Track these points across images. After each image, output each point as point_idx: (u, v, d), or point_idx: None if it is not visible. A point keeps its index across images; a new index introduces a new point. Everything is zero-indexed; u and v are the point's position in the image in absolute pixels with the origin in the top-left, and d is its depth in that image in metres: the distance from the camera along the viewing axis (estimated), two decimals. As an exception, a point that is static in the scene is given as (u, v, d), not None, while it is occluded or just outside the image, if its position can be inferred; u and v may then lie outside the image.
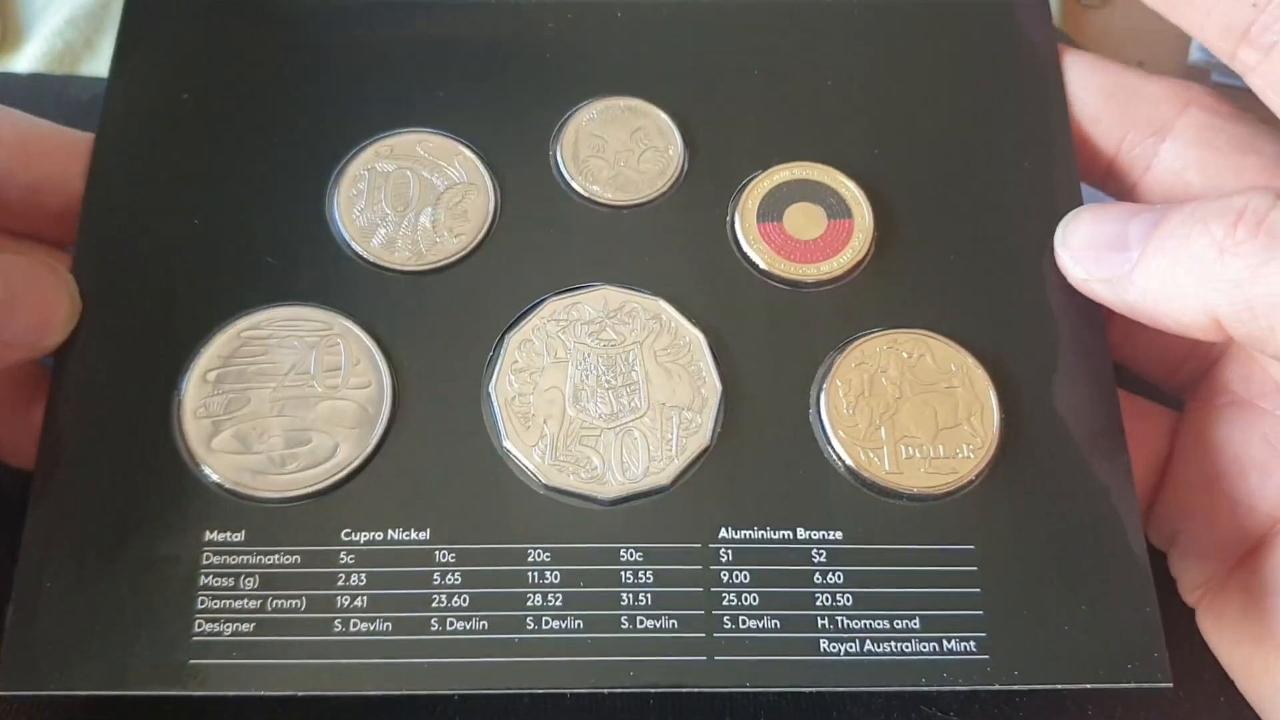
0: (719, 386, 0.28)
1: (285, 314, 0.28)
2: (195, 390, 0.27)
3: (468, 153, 0.30)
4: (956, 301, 0.29)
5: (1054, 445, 0.27)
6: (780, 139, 0.30)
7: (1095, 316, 0.29)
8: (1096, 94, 0.31)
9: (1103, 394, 0.28)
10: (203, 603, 0.25)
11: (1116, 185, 0.31)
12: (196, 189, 0.29)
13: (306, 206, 0.29)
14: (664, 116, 0.30)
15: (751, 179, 0.30)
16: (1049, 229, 0.29)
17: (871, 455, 0.27)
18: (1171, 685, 0.26)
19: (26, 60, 0.30)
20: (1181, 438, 0.30)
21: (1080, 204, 0.30)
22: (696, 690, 0.25)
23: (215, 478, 0.26)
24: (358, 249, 0.29)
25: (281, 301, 0.28)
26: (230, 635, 0.25)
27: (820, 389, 0.28)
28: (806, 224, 0.29)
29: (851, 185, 0.30)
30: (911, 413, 0.28)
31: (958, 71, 0.31)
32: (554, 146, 0.30)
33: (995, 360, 0.28)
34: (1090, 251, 0.28)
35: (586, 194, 0.29)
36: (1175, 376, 0.31)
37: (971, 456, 0.27)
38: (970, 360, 0.28)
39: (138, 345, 0.27)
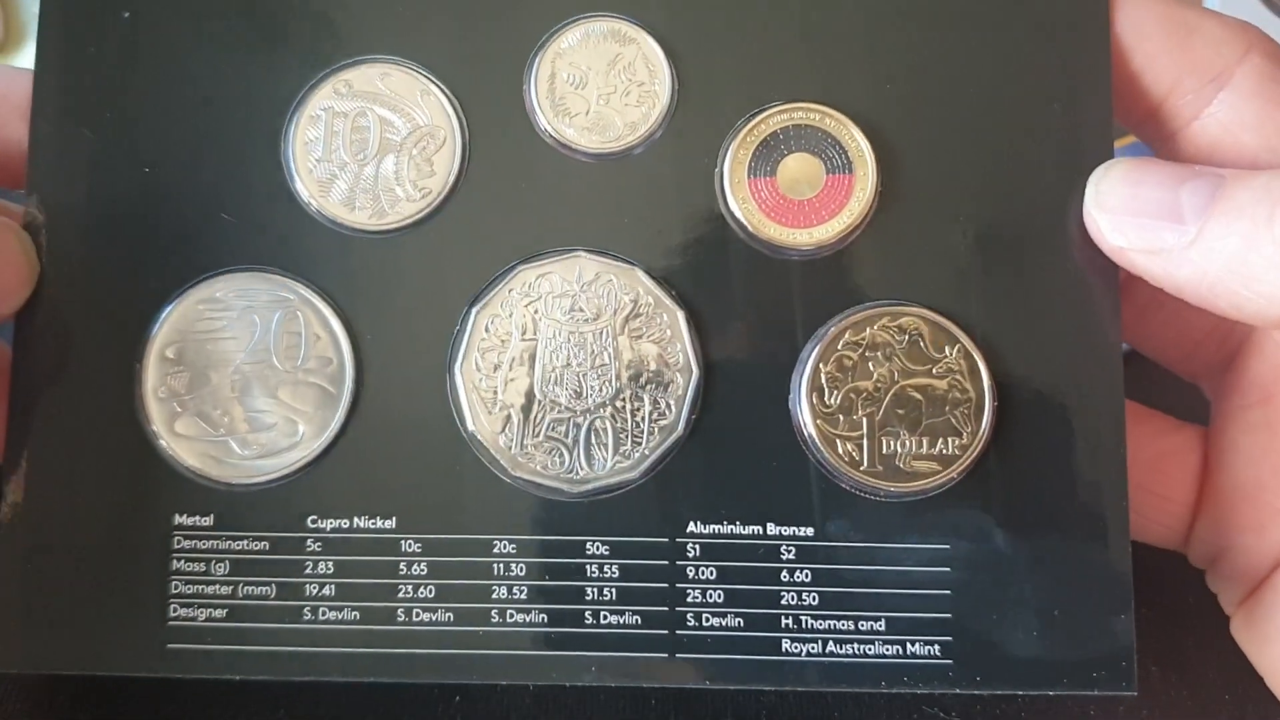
0: (695, 370, 0.26)
1: (243, 282, 0.26)
2: (155, 368, 0.26)
3: (433, 89, 0.27)
4: (957, 275, 0.26)
5: (1047, 443, 0.26)
6: (782, 70, 0.27)
7: (1111, 300, 0.26)
8: (1155, 28, 0.26)
9: (1108, 390, 0.26)
10: (176, 587, 0.26)
11: (1153, 131, 0.27)
12: (145, 130, 0.27)
13: (261, 151, 0.27)
14: (653, 44, 0.27)
15: (747, 122, 0.27)
16: (1071, 187, 0.26)
17: (850, 448, 0.26)
18: (1135, 694, 0.26)
19: (28, 60, 0.28)
20: (1215, 447, 0.28)
21: (1110, 156, 0.27)
22: (657, 687, 0.26)
23: (182, 462, 0.26)
24: (316, 206, 0.27)
25: (239, 265, 0.27)
26: (204, 621, 0.26)
27: (803, 373, 0.26)
28: (802, 180, 0.27)
29: (857, 134, 0.26)
30: (897, 401, 0.26)
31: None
32: (528, 79, 0.27)
33: (995, 344, 0.26)
34: (1132, 218, 0.25)
35: (562, 139, 0.27)
36: (1190, 361, 0.29)
37: (957, 453, 0.26)
38: (968, 344, 0.26)
39: (94, 316, 0.26)
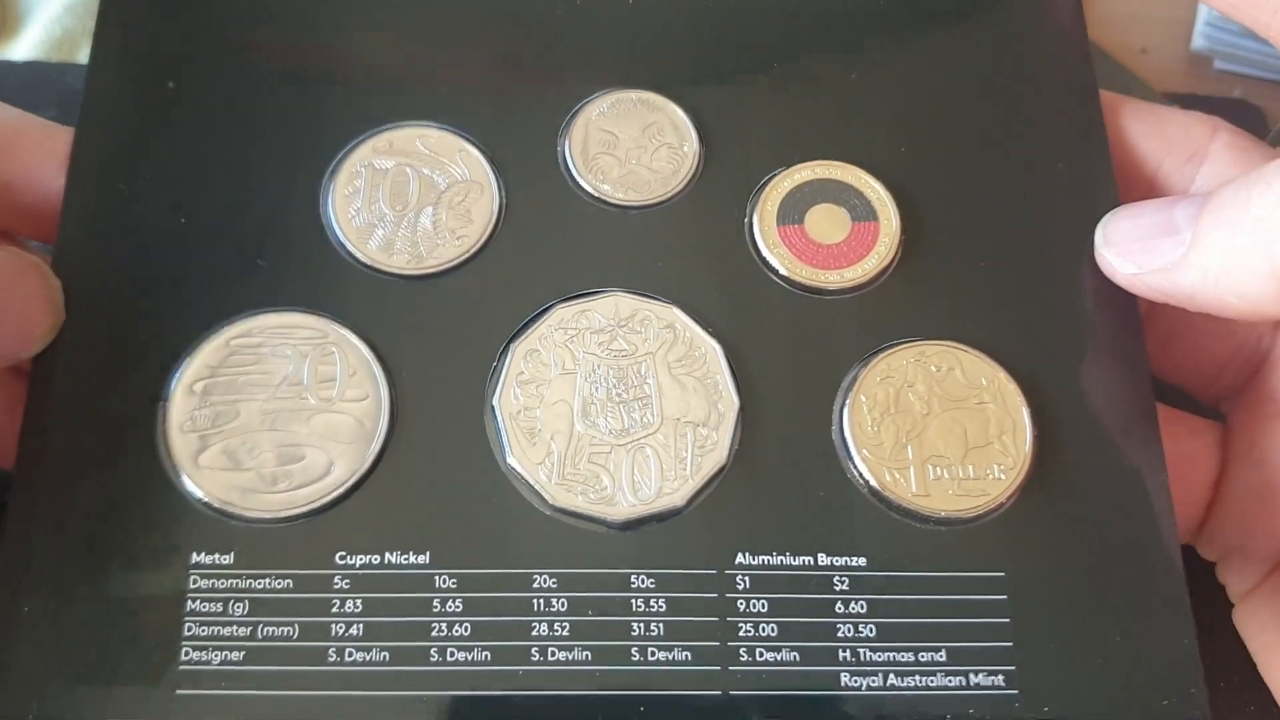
0: (736, 401, 0.26)
1: (277, 320, 0.26)
2: (181, 402, 0.25)
3: (471, 149, 0.28)
4: (987, 311, 0.27)
5: (1090, 465, 0.26)
6: (802, 135, 0.29)
7: (1134, 326, 0.27)
8: (1127, 121, 0.29)
9: (1141, 410, 0.26)
10: (190, 629, 0.24)
11: None
12: (182, 185, 0.27)
13: (300, 205, 0.27)
14: (679, 111, 0.29)
15: (771, 178, 0.28)
16: (1085, 232, 0.28)
17: (897, 476, 0.26)
18: (1210, 723, 0.24)
19: (25, 47, 0.28)
20: (1232, 452, 0.28)
21: (1117, 204, 0.28)
22: (711, 727, 0.24)
23: (203, 496, 0.25)
24: (354, 251, 0.27)
25: (273, 307, 0.26)
26: (219, 664, 0.24)
27: (843, 404, 0.26)
28: (829, 227, 0.28)
29: (877, 186, 0.28)
30: (940, 430, 0.26)
31: (987, 68, 0.30)
32: (562, 142, 0.28)
33: (1028, 374, 0.27)
34: (1137, 244, 0.26)
35: (596, 193, 0.28)
36: (1213, 386, 0.29)
37: (1003, 478, 0.26)
38: (1002, 374, 0.26)
39: (120, 353, 0.26)
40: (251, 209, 0.27)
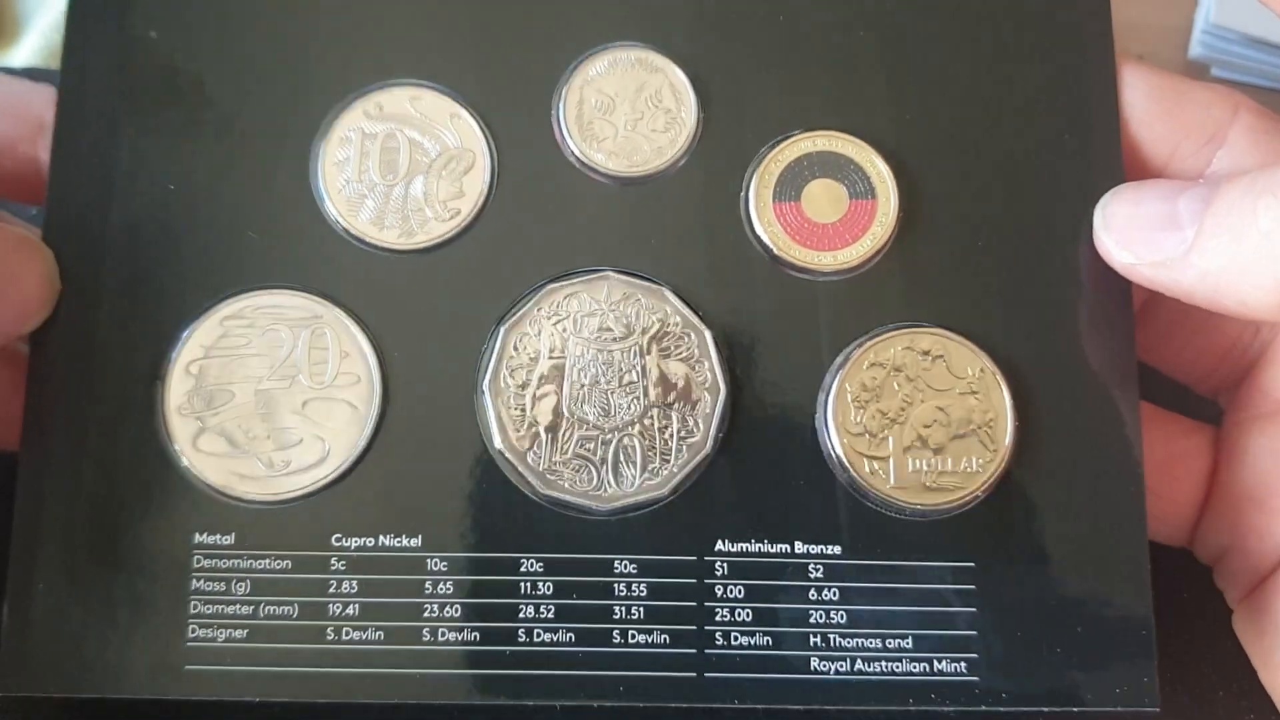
0: (722, 388, 0.26)
1: (270, 300, 0.26)
2: (178, 384, 0.26)
3: (464, 113, 0.27)
4: (979, 297, 0.27)
5: (1066, 461, 0.26)
6: (804, 99, 0.28)
7: (1126, 323, 0.27)
8: (1145, 97, 0.28)
9: (1124, 408, 0.27)
10: (195, 607, 0.25)
11: None
12: (170, 149, 0.27)
13: (290, 170, 0.27)
14: (679, 73, 0.28)
15: (771, 148, 0.27)
16: (1085, 213, 0.27)
17: (876, 467, 0.26)
18: (1158, 710, 0.26)
19: (23, 54, 0.28)
20: (1225, 452, 0.29)
21: (1121, 182, 0.27)
22: (685, 707, 0.26)
23: (202, 479, 0.26)
24: (345, 225, 0.27)
25: (265, 283, 0.27)
26: (224, 641, 0.25)
27: (829, 393, 0.26)
28: (826, 205, 0.27)
29: (878, 161, 0.27)
30: (922, 419, 0.26)
31: (998, 28, 0.28)
32: (557, 105, 0.28)
33: (1015, 364, 0.27)
34: (1137, 233, 0.26)
35: (590, 163, 0.27)
36: (1210, 379, 0.29)
37: (980, 471, 0.26)
38: (989, 365, 0.27)
39: (116, 331, 0.26)
40: (241, 176, 0.27)
